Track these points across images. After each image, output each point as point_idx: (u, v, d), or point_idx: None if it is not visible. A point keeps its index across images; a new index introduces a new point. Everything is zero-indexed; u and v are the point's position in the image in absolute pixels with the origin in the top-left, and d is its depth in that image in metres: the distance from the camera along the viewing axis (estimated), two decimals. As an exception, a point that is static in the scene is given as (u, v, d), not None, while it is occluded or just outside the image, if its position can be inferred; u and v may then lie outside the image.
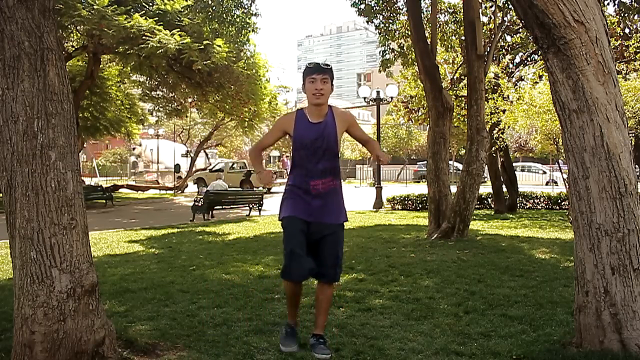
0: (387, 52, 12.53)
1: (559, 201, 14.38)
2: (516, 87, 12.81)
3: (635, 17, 11.38)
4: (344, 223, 3.32)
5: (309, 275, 3.22)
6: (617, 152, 2.98)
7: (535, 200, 14.85)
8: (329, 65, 3.31)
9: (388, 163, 3.95)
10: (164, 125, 34.63)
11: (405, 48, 12.22)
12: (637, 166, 9.97)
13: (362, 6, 11.22)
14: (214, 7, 10.42)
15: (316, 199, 3.20)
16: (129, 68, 15.71)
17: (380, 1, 11.31)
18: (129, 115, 21.93)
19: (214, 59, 13.44)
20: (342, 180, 3.22)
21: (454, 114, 11.59)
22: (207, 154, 33.51)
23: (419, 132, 39.96)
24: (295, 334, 3.31)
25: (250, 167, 26.76)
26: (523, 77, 14.29)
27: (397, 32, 12.06)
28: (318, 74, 3.16)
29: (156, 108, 23.07)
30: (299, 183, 3.25)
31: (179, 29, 13.43)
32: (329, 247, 3.21)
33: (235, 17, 10.81)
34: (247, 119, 18.43)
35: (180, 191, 26.08)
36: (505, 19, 11.59)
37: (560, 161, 13.35)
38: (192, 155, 28.87)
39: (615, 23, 11.71)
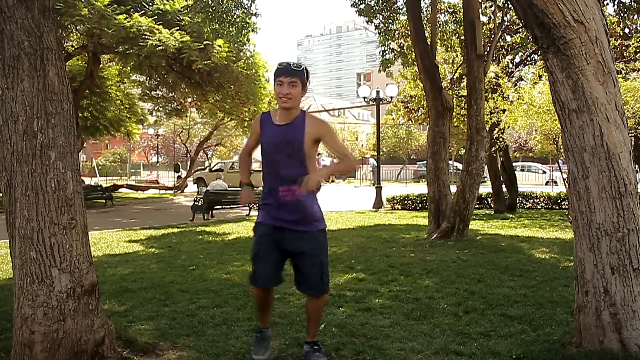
0: (387, 52, 12.55)
1: (559, 201, 14.39)
2: (516, 87, 12.81)
3: (635, 17, 11.38)
4: (325, 229, 3.08)
5: (276, 285, 3.08)
6: (617, 152, 2.98)
7: (535, 200, 14.87)
8: (301, 66, 3.00)
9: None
10: (164, 125, 34.66)
11: (405, 48, 12.24)
12: (637, 166, 9.98)
13: (362, 6, 11.23)
14: (214, 8, 10.42)
15: (287, 206, 2.98)
16: (129, 68, 15.72)
17: (380, 1, 11.32)
18: (129, 115, 21.95)
19: (214, 59, 13.45)
20: (319, 188, 2.97)
21: (454, 114, 11.61)
22: (207, 154, 33.49)
23: (419, 132, 40.03)
24: (268, 339, 3.16)
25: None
26: (523, 77, 14.29)
27: (397, 32, 12.09)
28: (285, 77, 2.89)
29: (156, 108, 23.07)
30: (269, 189, 3.05)
31: (178, 29, 13.44)
32: (311, 258, 2.97)
33: (235, 17, 10.82)
34: (247, 119, 18.43)
35: (180, 191, 26.09)
36: (505, 19, 11.59)
37: (560, 161, 13.36)
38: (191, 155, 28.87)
39: (615, 23, 11.71)
